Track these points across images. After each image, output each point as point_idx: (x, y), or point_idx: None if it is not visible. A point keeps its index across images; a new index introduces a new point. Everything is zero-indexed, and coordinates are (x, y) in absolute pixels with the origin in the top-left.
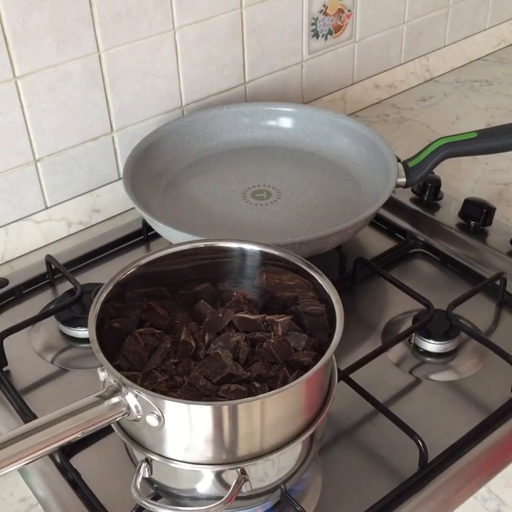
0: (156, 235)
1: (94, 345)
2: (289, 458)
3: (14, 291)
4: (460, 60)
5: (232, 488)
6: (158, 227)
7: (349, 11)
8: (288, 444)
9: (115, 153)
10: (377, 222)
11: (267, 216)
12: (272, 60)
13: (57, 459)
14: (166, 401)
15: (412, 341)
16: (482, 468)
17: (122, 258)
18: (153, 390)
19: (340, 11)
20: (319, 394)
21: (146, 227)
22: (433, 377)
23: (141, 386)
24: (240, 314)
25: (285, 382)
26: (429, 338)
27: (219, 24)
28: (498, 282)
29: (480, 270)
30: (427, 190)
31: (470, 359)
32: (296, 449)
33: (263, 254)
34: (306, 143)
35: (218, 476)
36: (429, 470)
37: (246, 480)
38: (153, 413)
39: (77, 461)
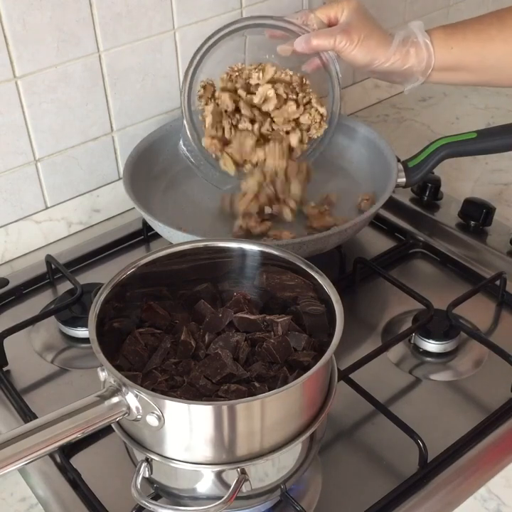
0: (156, 235)
1: (95, 345)
2: (289, 458)
3: (14, 291)
4: None
5: (232, 487)
6: (158, 227)
7: None
8: (288, 444)
9: (115, 153)
10: (377, 222)
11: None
12: (272, 60)
13: (57, 459)
14: (166, 401)
15: (412, 341)
16: (482, 468)
17: (122, 258)
18: (153, 390)
19: None
20: (319, 394)
21: (146, 227)
22: (433, 377)
23: (141, 386)
24: (240, 314)
25: (285, 382)
26: (429, 338)
27: (219, 24)
28: (498, 282)
29: (480, 270)
30: (427, 190)
31: (470, 359)
32: (296, 449)
33: (263, 254)
34: None
35: (218, 475)
36: (429, 470)
37: (246, 480)
38: (153, 413)
39: (77, 461)
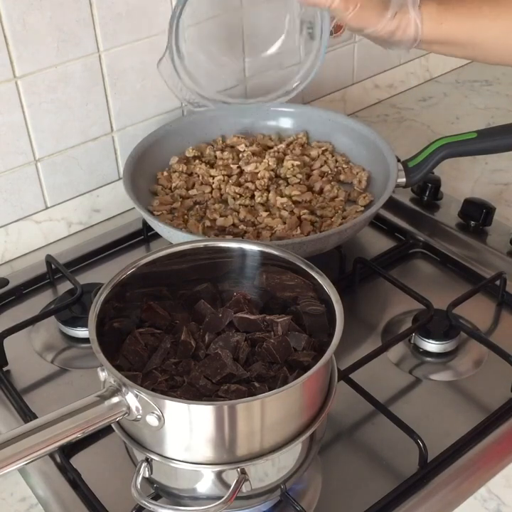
0: (156, 235)
1: (94, 345)
2: (289, 458)
3: (14, 291)
4: (460, 60)
5: (232, 487)
6: (158, 227)
7: None
8: (288, 444)
9: (115, 153)
10: (377, 222)
11: None
12: (272, 60)
13: (57, 459)
14: (166, 401)
15: (412, 341)
16: (482, 468)
17: (122, 258)
18: (153, 390)
19: None
20: (319, 394)
21: (146, 227)
22: (433, 377)
23: (141, 386)
24: (240, 314)
25: (285, 382)
26: (429, 338)
27: (219, 24)
28: (498, 282)
29: (480, 270)
30: (427, 190)
31: (470, 359)
32: (296, 449)
33: (263, 254)
34: None
35: (218, 475)
36: (428, 470)
37: (246, 480)
38: (153, 413)
39: (77, 461)
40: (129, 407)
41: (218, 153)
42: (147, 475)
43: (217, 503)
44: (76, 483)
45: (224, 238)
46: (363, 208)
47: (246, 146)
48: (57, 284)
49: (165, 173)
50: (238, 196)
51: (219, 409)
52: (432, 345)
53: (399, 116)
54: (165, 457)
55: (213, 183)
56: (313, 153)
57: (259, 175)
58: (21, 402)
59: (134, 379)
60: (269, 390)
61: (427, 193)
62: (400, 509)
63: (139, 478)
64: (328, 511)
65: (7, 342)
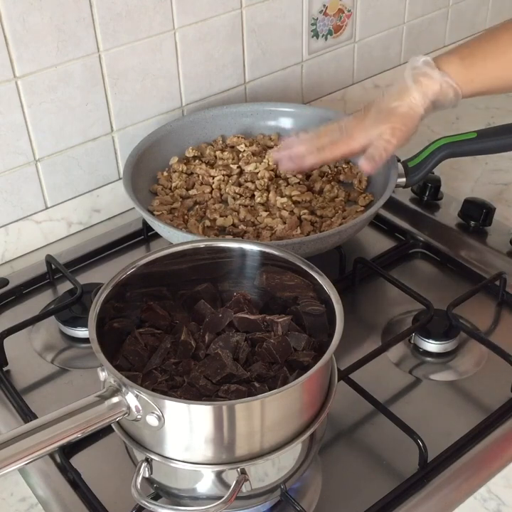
0: (156, 235)
1: (95, 345)
2: (289, 458)
3: (14, 291)
4: None
5: (232, 488)
6: (158, 227)
7: (349, 11)
8: (288, 444)
9: (115, 153)
10: (377, 222)
11: None
12: (272, 60)
13: (57, 459)
14: (166, 401)
15: (412, 341)
16: (482, 468)
17: (122, 258)
18: (153, 390)
19: (340, 11)
20: (319, 394)
21: (146, 227)
22: (433, 377)
23: (141, 386)
24: (240, 314)
25: (285, 382)
26: (429, 338)
27: (219, 24)
28: (498, 282)
29: (480, 270)
30: (427, 190)
31: (470, 359)
32: (296, 449)
33: (263, 254)
34: None
35: (218, 475)
36: (428, 470)
37: (246, 480)
38: (153, 413)
39: (77, 461)
40: (129, 407)
41: (218, 153)
42: (147, 475)
43: (217, 503)
44: (76, 483)
45: (224, 238)
46: (363, 208)
47: (246, 146)
48: (57, 284)
49: (165, 173)
50: (238, 196)
51: (219, 410)
52: (431, 345)
53: None
54: (165, 457)
55: (213, 183)
56: None
57: (259, 175)
58: (21, 402)
59: (134, 379)
60: (269, 390)
61: (427, 193)
62: (400, 509)
63: (139, 478)
64: (328, 511)
65: (7, 342)
